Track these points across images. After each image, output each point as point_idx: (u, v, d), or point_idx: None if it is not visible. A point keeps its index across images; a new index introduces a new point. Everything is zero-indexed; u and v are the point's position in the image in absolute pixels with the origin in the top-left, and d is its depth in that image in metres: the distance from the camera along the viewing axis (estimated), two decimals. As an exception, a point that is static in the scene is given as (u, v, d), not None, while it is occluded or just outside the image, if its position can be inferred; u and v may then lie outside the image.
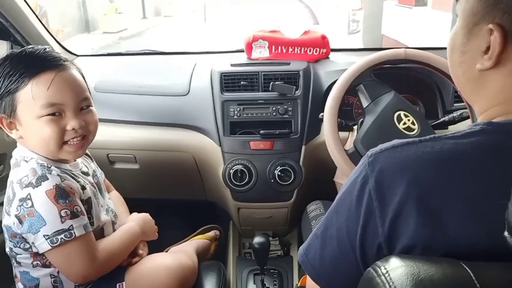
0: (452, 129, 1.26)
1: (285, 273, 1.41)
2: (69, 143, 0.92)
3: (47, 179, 0.88)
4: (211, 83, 1.38)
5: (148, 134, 1.40)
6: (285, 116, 1.35)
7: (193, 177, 1.49)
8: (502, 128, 0.54)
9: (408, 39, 4.82)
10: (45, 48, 0.92)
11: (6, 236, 0.94)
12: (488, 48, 0.55)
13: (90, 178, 1.03)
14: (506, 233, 0.43)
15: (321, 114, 1.23)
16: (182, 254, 1.15)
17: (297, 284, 1.38)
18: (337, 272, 0.61)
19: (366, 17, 5.21)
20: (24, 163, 0.92)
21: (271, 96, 1.35)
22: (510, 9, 0.52)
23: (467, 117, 1.18)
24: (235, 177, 1.31)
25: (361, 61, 1.17)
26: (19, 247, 0.92)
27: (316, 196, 1.33)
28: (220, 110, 1.34)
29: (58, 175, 0.91)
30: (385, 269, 0.47)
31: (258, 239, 1.19)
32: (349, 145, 1.23)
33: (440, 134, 0.56)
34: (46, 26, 1.47)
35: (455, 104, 1.36)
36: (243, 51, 1.53)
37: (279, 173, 1.31)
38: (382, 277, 0.46)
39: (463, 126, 1.20)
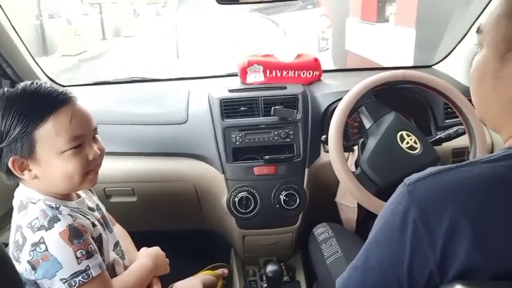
0: (446, 145, 1.31)
1: (294, 298, 1.39)
2: (89, 172, 0.91)
3: (59, 220, 0.84)
4: (211, 110, 1.36)
5: (147, 165, 1.36)
6: (286, 140, 1.35)
7: (192, 206, 1.45)
8: None
9: (372, 54, 5.02)
10: (46, 83, 0.89)
11: None
12: None
13: (96, 213, 1.00)
14: None
15: (323, 136, 1.24)
16: None
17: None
18: None
19: (334, 34, 5.39)
20: (32, 205, 0.87)
21: (272, 121, 1.35)
22: None
23: (463, 133, 1.22)
24: (241, 204, 1.28)
25: (361, 84, 1.19)
26: None
27: (319, 218, 1.33)
28: (221, 136, 1.32)
29: (69, 214, 0.87)
30: None
31: (271, 267, 1.18)
32: (349, 165, 1.24)
33: (475, 159, 0.59)
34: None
35: (446, 121, 1.42)
36: (235, 75, 1.52)
37: (284, 198, 1.29)
38: None
39: (458, 141, 1.27)
